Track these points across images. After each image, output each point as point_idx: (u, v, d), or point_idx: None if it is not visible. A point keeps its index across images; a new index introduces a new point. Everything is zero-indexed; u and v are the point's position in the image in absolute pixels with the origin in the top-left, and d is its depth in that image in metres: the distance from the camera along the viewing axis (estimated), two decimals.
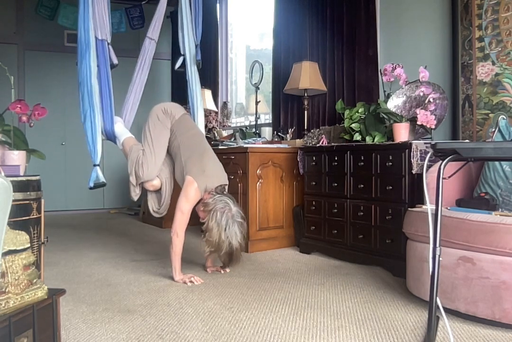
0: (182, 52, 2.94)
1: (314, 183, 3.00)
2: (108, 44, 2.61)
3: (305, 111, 3.65)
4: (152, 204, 2.62)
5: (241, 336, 1.61)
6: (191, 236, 3.21)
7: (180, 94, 5.57)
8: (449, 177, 1.65)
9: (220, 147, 3.50)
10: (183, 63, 2.95)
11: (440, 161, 1.47)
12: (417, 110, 2.53)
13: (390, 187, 2.50)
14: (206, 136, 4.38)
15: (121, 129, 2.63)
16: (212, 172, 2.41)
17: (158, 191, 2.58)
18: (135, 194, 2.55)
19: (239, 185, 3.19)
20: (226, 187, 2.48)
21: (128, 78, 2.83)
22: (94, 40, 2.49)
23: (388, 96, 2.82)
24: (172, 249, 2.33)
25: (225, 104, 4.98)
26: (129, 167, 2.50)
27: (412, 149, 2.39)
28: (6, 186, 1.02)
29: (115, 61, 2.64)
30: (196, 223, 2.49)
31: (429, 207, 1.53)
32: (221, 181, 2.43)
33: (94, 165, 2.45)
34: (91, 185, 2.44)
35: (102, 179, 2.45)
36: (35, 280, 1.22)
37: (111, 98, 2.58)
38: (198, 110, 2.90)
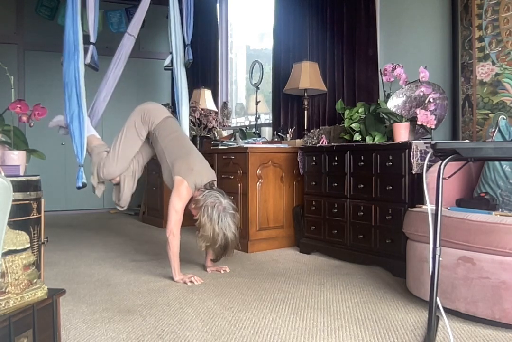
0: (170, 50, 2.95)
1: (314, 183, 3.00)
2: (91, 44, 2.60)
3: (305, 111, 3.65)
4: (114, 196, 2.71)
5: (241, 336, 1.61)
6: (190, 236, 3.22)
7: None
8: (449, 177, 1.65)
9: (220, 147, 3.50)
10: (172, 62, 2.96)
11: (440, 161, 1.47)
12: (417, 110, 2.53)
13: (390, 187, 2.50)
14: (206, 136, 4.41)
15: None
16: (199, 170, 2.42)
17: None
18: (99, 191, 2.65)
19: (239, 185, 3.19)
20: (215, 183, 2.49)
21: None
22: (82, 42, 2.49)
23: (388, 96, 2.82)
24: (170, 249, 2.33)
25: (225, 104, 4.97)
26: (92, 168, 2.56)
27: (412, 149, 2.39)
28: (6, 186, 1.02)
29: (88, 60, 2.62)
30: (192, 224, 2.50)
31: (429, 207, 1.53)
32: (209, 177, 2.45)
33: (80, 165, 2.49)
34: (80, 184, 2.49)
35: (84, 179, 2.51)
36: (35, 280, 1.22)
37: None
38: (183, 108, 2.92)
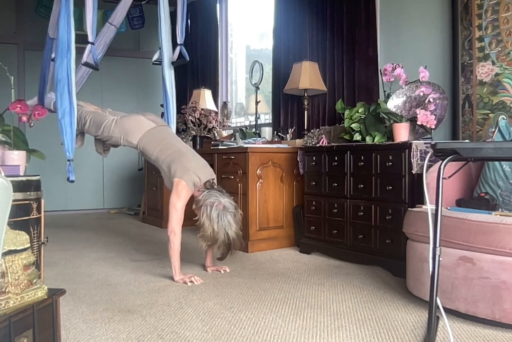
0: (159, 46, 2.95)
1: (314, 183, 3.00)
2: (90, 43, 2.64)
3: (305, 111, 3.65)
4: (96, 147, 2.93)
5: (241, 336, 1.61)
6: (190, 236, 3.22)
7: (180, 95, 5.55)
8: (449, 177, 1.65)
9: (220, 147, 3.50)
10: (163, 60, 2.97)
11: (440, 161, 1.47)
12: (417, 110, 2.53)
13: (390, 187, 2.50)
14: (206, 136, 4.41)
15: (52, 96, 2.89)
16: (196, 169, 2.41)
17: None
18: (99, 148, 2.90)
19: (239, 185, 3.19)
20: (215, 181, 2.49)
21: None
22: (74, 41, 2.51)
23: (388, 96, 2.82)
24: (171, 248, 2.33)
25: (225, 104, 4.97)
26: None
27: (412, 149, 2.39)
28: (6, 186, 1.02)
29: (84, 59, 2.67)
30: (192, 224, 2.50)
31: (429, 207, 1.53)
32: (207, 176, 2.44)
33: (70, 160, 2.51)
34: (73, 178, 2.51)
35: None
36: (35, 280, 1.22)
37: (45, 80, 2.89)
38: (170, 108, 2.92)
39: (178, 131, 3.87)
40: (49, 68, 2.87)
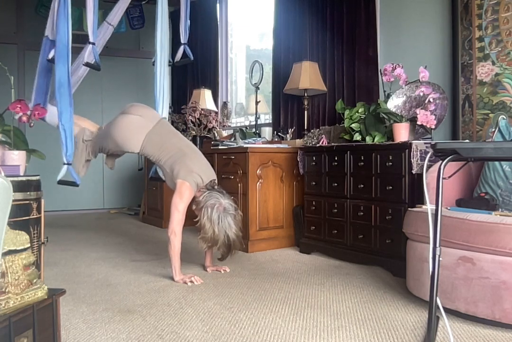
0: (155, 48, 2.94)
1: (314, 183, 3.00)
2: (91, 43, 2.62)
3: (305, 111, 3.65)
4: (106, 162, 2.88)
5: (241, 336, 1.61)
6: (191, 236, 3.22)
7: (180, 95, 5.57)
8: (449, 177, 1.65)
9: (220, 147, 3.50)
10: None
11: (440, 161, 1.47)
12: (417, 110, 2.53)
13: (390, 187, 2.50)
14: (206, 136, 4.41)
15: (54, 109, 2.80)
16: (199, 170, 2.41)
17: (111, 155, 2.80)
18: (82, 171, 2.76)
19: (239, 185, 3.19)
20: (216, 181, 2.49)
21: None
22: (71, 43, 2.49)
23: (388, 96, 2.82)
24: (171, 248, 2.33)
25: (225, 104, 4.97)
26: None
27: (412, 149, 2.39)
28: (6, 186, 1.02)
29: (85, 60, 2.65)
30: (191, 224, 2.50)
31: (429, 207, 1.53)
32: (209, 176, 2.44)
33: (69, 164, 2.49)
34: (79, 181, 2.51)
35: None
36: (35, 280, 1.22)
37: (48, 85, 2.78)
38: (163, 111, 2.90)
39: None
40: (50, 72, 2.73)
